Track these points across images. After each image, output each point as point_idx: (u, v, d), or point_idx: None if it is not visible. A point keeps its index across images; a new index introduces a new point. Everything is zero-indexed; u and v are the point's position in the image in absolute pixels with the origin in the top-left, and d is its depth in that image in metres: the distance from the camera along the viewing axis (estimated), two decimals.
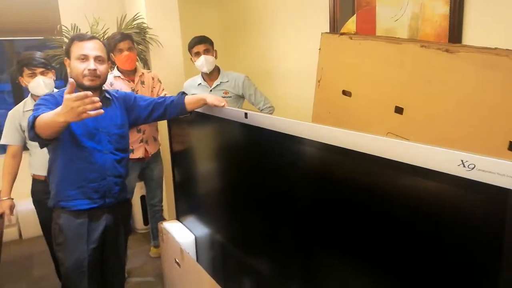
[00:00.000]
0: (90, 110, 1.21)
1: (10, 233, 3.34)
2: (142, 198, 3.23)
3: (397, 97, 1.79)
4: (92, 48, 1.59)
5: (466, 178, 0.79)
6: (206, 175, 2.00)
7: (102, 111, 1.25)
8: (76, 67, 1.57)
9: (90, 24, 2.93)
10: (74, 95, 1.20)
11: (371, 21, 2.29)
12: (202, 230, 2.08)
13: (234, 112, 1.57)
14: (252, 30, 3.40)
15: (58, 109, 1.27)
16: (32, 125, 1.37)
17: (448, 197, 0.86)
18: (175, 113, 1.82)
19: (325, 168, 1.19)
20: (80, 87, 1.58)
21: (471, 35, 1.87)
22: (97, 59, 1.59)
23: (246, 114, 1.46)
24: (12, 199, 2.07)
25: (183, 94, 1.85)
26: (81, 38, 1.61)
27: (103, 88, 1.71)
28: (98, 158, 1.62)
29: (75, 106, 1.20)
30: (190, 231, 2.20)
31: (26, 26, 3.29)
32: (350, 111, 1.99)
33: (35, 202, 2.14)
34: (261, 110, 2.64)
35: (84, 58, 1.57)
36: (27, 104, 2.09)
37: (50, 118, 1.30)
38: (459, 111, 1.58)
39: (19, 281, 2.72)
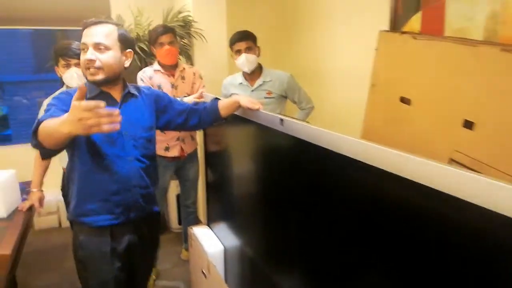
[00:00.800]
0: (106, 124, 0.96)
1: (50, 220, 3.40)
2: (179, 196, 3.14)
3: (467, 109, 1.51)
4: (93, 34, 1.32)
5: None
6: (238, 182, 1.83)
7: (118, 126, 0.99)
8: (81, 60, 1.35)
9: (134, 16, 2.86)
10: (84, 104, 0.94)
11: (439, 19, 1.99)
12: (232, 241, 1.91)
13: (269, 117, 1.37)
14: (301, 26, 3.18)
15: (65, 116, 1.01)
16: (34, 131, 1.14)
17: None
18: (210, 120, 1.63)
19: (369, 193, 0.96)
20: (91, 84, 1.38)
21: None
22: (97, 46, 1.32)
23: (281, 120, 1.26)
24: (42, 191, 2.03)
25: (216, 99, 1.66)
26: (86, 24, 1.35)
27: (127, 83, 1.50)
28: (121, 167, 1.41)
29: (84, 117, 0.94)
30: (220, 240, 2.04)
31: (78, 16, 3.30)
32: (409, 121, 1.72)
33: (64, 196, 2.08)
34: (302, 110, 2.46)
35: (84, 47, 1.33)
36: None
37: (53, 126, 1.07)
38: None
39: (51, 271, 2.72)
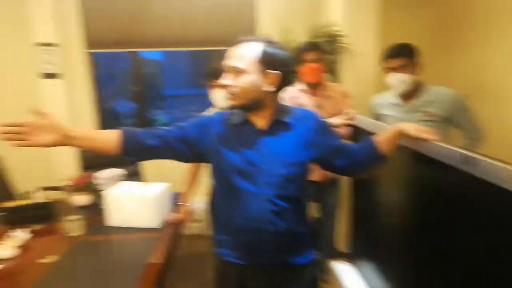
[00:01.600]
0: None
1: (194, 228, 3.59)
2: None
3: None
4: (231, 56, 1.24)
5: None
6: (399, 220, 1.53)
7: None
8: None
9: (280, 34, 2.84)
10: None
11: None
12: (382, 286, 1.64)
13: (445, 150, 1.09)
14: (467, 34, 2.73)
15: None
16: None
17: None
18: (370, 163, 1.36)
19: None
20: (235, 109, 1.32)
21: None
22: (233, 70, 1.23)
23: (467, 158, 0.98)
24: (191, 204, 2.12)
25: (371, 136, 1.40)
26: (232, 44, 1.28)
27: (283, 108, 1.33)
28: (251, 204, 1.25)
29: None
30: (366, 282, 1.79)
31: (228, 37, 3.47)
32: None
33: (211, 210, 2.13)
34: (469, 139, 2.01)
35: (225, 69, 1.27)
36: (210, 113, 2.09)
37: None
38: None
39: (192, 278, 2.84)
